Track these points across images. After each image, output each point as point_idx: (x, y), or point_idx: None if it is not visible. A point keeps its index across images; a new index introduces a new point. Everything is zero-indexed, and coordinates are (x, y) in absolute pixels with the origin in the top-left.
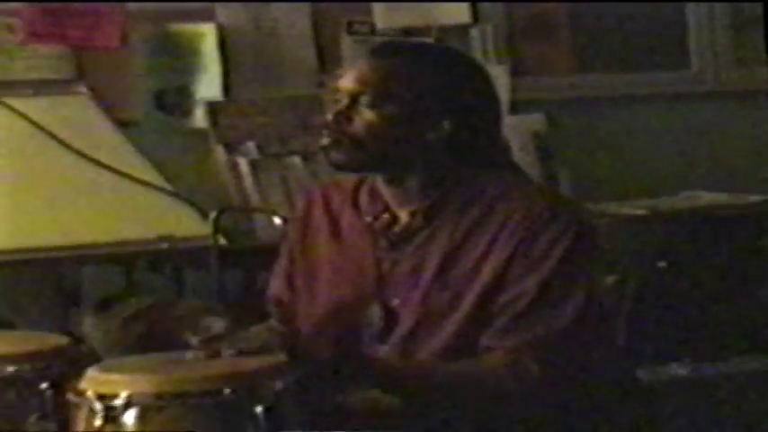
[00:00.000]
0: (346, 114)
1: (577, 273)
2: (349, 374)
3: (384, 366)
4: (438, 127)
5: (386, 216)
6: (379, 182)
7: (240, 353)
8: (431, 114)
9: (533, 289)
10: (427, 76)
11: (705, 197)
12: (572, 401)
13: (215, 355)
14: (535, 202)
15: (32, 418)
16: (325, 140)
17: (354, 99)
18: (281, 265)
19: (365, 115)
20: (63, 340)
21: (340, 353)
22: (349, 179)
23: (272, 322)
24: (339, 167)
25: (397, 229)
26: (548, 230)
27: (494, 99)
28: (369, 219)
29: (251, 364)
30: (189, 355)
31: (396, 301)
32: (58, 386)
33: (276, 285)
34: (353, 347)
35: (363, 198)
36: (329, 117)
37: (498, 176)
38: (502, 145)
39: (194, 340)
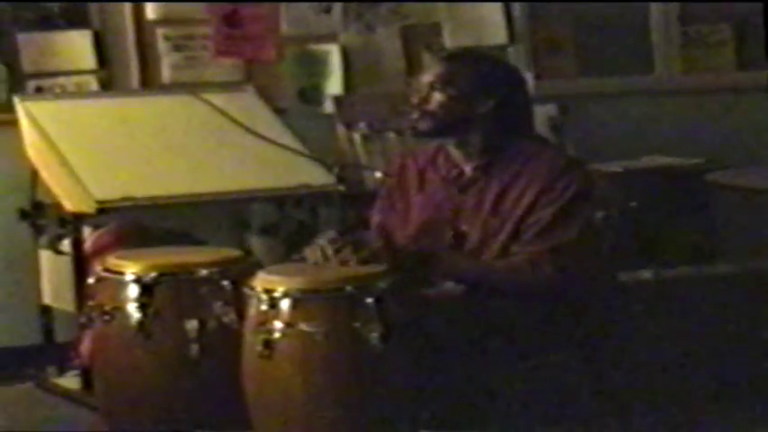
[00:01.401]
0: (426, 98)
1: (579, 208)
2: (432, 268)
3: (443, 257)
4: (485, 104)
5: (455, 170)
6: (451, 147)
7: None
8: (479, 95)
9: (549, 216)
10: (474, 71)
11: (661, 159)
12: (570, 299)
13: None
14: (555, 162)
15: (218, 306)
16: (413, 116)
17: (431, 87)
18: (381, 205)
19: (437, 97)
20: (238, 253)
21: (426, 255)
22: (430, 147)
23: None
24: (423, 134)
25: (463, 179)
26: (562, 180)
27: (523, 89)
28: (444, 172)
29: (365, 270)
30: (326, 264)
31: (464, 227)
32: (235, 284)
33: (377, 218)
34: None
35: (440, 159)
36: (414, 101)
37: (530, 144)
38: (531, 121)
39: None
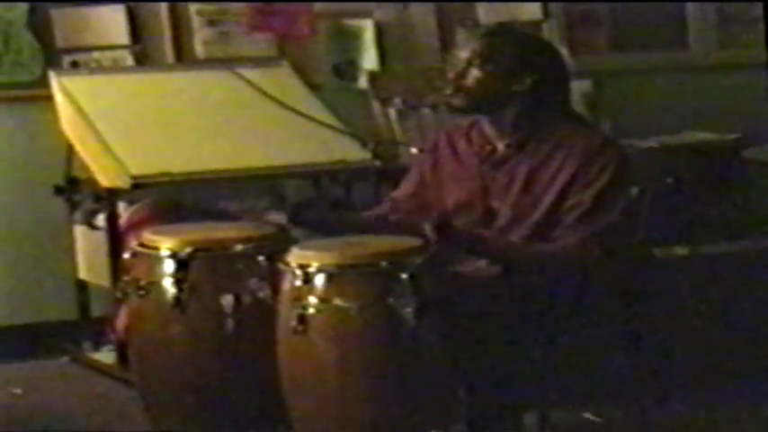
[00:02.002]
0: (463, 73)
1: (619, 188)
2: (467, 248)
3: (491, 241)
4: (522, 82)
5: (488, 147)
6: (484, 123)
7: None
8: (516, 73)
9: (590, 198)
10: (514, 48)
11: (697, 135)
12: (610, 275)
13: None
14: (591, 140)
15: (253, 281)
16: (448, 91)
17: (469, 63)
18: (409, 180)
19: (474, 73)
20: (273, 228)
21: (462, 233)
22: (464, 123)
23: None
24: (456, 110)
25: (496, 156)
26: (598, 161)
27: (560, 66)
28: (477, 149)
29: (400, 245)
30: (356, 238)
31: (495, 204)
32: (270, 259)
33: (401, 191)
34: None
35: (474, 135)
36: (451, 75)
37: (564, 123)
38: (567, 100)
39: None
